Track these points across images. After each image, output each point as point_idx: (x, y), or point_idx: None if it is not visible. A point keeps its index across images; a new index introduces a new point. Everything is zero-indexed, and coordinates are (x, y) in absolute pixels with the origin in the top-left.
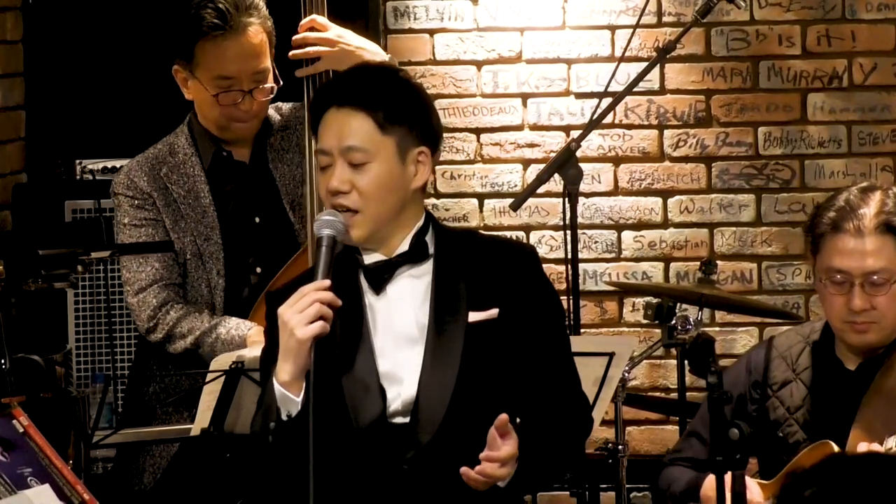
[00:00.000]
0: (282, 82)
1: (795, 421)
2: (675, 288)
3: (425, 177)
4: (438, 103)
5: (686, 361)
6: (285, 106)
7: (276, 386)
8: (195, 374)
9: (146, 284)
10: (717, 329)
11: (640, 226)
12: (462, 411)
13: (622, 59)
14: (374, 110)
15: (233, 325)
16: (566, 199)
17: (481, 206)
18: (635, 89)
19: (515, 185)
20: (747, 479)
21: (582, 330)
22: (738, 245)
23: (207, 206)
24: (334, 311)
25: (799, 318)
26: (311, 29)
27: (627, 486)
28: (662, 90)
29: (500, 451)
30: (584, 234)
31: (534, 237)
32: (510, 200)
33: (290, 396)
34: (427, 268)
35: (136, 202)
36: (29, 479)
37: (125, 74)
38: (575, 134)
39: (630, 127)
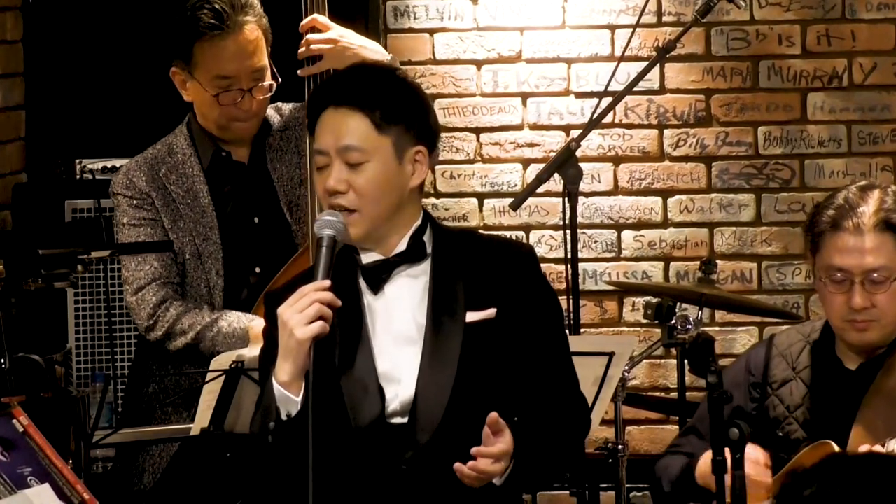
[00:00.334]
0: (280, 80)
1: (795, 420)
2: (675, 288)
3: (423, 176)
4: (438, 103)
5: (686, 361)
6: (286, 106)
7: (276, 386)
8: (195, 373)
9: (145, 283)
10: (717, 329)
11: (639, 225)
12: (460, 411)
13: (622, 58)
14: (370, 110)
15: (234, 319)
16: (566, 199)
17: (481, 205)
18: (635, 89)
19: (515, 185)
20: (749, 445)
21: (582, 330)
22: (738, 245)
23: (206, 206)
24: (333, 312)
25: (799, 318)
26: (313, 28)
27: (627, 485)
28: (662, 90)
29: (493, 447)
30: (583, 233)
31: (533, 237)
32: (510, 200)
33: (289, 396)
34: (425, 268)
35: (134, 202)
36: (29, 478)
37: (125, 74)
38: (575, 133)
39: (630, 126)
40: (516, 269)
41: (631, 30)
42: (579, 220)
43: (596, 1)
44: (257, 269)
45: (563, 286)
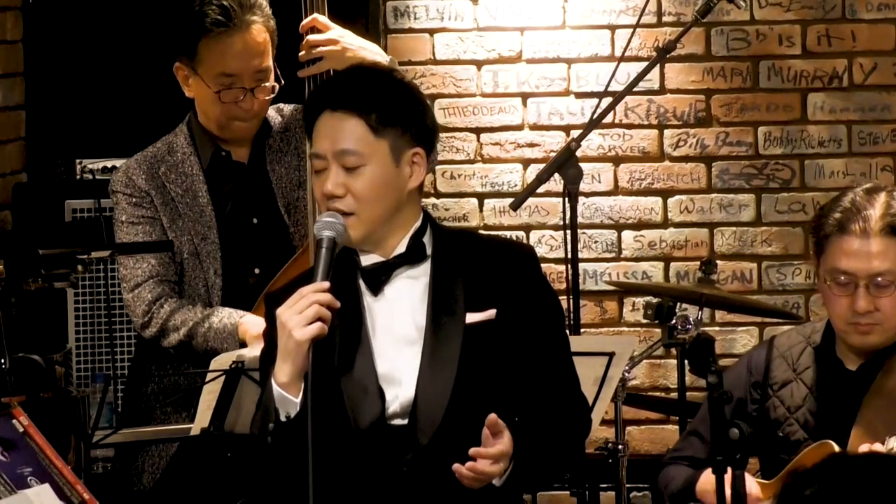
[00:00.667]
0: (283, 82)
1: (796, 420)
2: (675, 288)
3: (421, 178)
4: (438, 103)
5: (686, 361)
6: (286, 108)
7: (275, 387)
8: (195, 373)
9: (142, 280)
10: (717, 329)
11: (640, 225)
12: (460, 413)
13: (622, 58)
14: (366, 113)
15: (225, 315)
16: (566, 199)
17: (481, 205)
18: (635, 89)
19: (515, 185)
20: (746, 476)
21: (582, 330)
22: (738, 245)
23: (205, 206)
24: (333, 313)
25: (799, 318)
26: (313, 29)
27: (627, 485)
28: (662, 90)
29: (491, 448)
30: (583, 233)
31: (534, 237)
32: (510, 200)
33: (288, 398)
34: (425, 269)
35: (133, 200)
36: (29, 478)
37: (125, 74)
38: (575, 133)
39: (630, 127)
40: (516, 270)
41: (631, 30)
42: (579, 220)
43: (596, 1)
44: (256, 270)
45: (563, 286)
